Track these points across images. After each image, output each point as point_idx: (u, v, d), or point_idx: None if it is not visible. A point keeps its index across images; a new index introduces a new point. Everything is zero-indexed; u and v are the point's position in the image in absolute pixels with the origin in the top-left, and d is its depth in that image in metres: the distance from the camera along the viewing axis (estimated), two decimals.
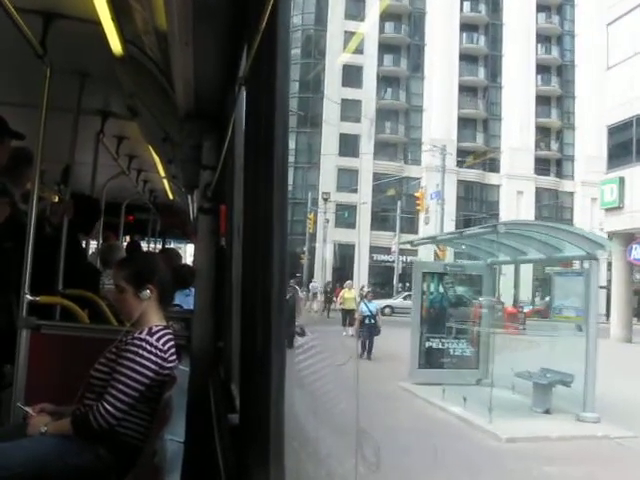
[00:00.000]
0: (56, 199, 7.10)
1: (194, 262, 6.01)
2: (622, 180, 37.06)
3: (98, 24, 3.79)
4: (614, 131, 39.02)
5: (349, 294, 31.63)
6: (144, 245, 12.76)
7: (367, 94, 67.17)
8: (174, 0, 2.55)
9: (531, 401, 15.19)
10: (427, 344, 18.67)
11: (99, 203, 7.41)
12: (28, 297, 4.34)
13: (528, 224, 22.17)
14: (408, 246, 50.24)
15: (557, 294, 18.12)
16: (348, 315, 30.09)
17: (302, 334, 23.45)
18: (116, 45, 3.99)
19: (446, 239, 24.33)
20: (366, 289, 34.07)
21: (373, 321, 23.96)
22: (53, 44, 4.16)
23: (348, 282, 36.09)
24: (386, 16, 68.28)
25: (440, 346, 18.62)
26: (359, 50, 66.65)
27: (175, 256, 9.87)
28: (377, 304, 25.98)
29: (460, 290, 19.72)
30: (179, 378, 3.49)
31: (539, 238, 16.62)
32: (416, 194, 58.39)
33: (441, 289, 19.27)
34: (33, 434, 3.45)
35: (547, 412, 14.74)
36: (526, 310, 43.28)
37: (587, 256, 15.49)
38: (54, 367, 4.42)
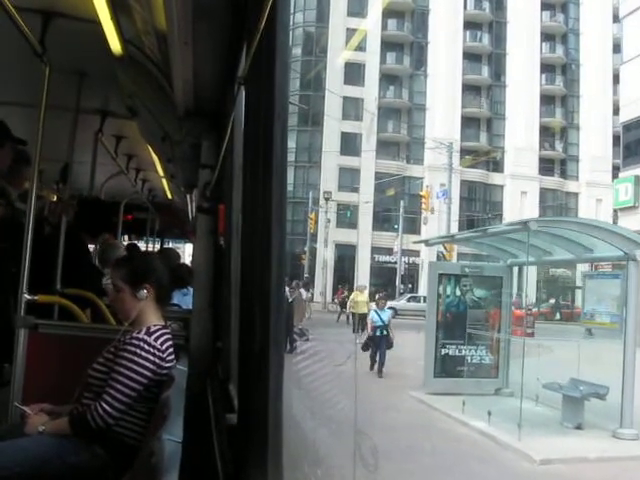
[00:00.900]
0: (54, 198, 7.12)
1: (192, 262, 6.01)
2: (638, 179, 36.74)
3: (97, 23, 3.79)
4: (629, 128, 38.63)
5: (361, 297, 29.25)
6: (143, 245, 12.76)
7: (369, 92, 67.03)
8: (173, 0, 2.55)
9: (560, 415, 14.08)
10: (443, 351, 17.61)
11: (107, 205, 7.45)
12: (26, 296, 4.34)
13: (562, 221, 20.65)
14: (410, 247, 50.27)
15: (589, 298, 16.95)
16: (361, 320, 27.22)
17: (302, 336, 22.93)
18: (115, 44, 4.00)
19: (465, 238, 22.29)
20: (364, 293, 31.00)
21: (385, 332, 20.59)
22: (52, 43, 4.16)
23: (360, 284, 33.72)
24: (389, 13, 68.03)
25: (457, 353, 17.57)
26: (361, 47, 66.49)
27: (173, 256, 9.87)
28: (390, 312, 22.48)
29: (478, 293, 18.46)
30: (177, 378, 3.49)
31: (569, 236, 15.69)
32: (421, 193, 58.33)
33: (458, 292, 18.25)
34: (31, 433, 3.46)
35: (579, 427, 13.58)
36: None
37: (625, 257, 14.33)
38: (52, 366, 4.42)
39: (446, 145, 55.94)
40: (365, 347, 20.89)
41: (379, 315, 21.07)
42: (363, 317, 26.72)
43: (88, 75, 5.15)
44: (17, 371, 4.31)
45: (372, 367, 20.19)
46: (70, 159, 5.74)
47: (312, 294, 44.09)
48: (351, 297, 31.37)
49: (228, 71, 3.16)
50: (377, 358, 20.23)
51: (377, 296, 25.27)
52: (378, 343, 20.41)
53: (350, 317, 33.16)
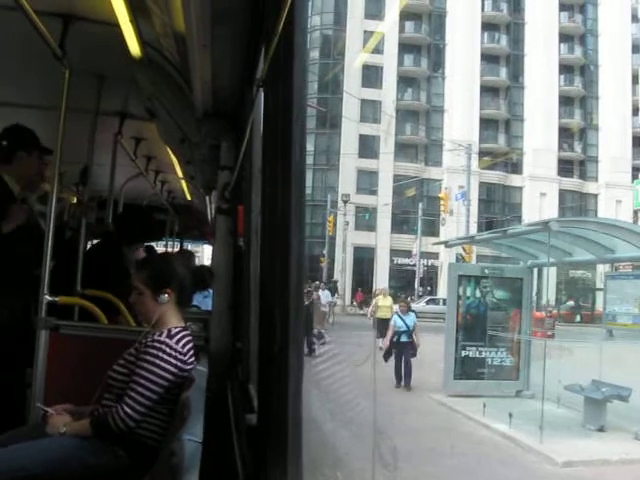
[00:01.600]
0: (74, 200, 7.17)
1: (212, 263, 6.03)
2: None
3: (116, 26, 3.82)
4: None
5: (384, 301, 27.08)
6: (162, 248, 12.78)
7: (387, 94, 66.93)
8: (192, 3, 2.57)
9: (582, 417, 13.99)
10: (463, 353, 17.56)
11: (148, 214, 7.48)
12: (47, 298, 4.36)
13: (583, 221, 20.60)
14: (429, 249, 50.08)
15: (610, 299, 17.05)
16: (384, 325, 24.74)
17: (320, 338, 22.39)
18: (134, 47, 4.02)
19: (485, 239, 22.02)
20: (387, 298, 28.25)
21: (410, 339, 18.61)
22: (72, 46, 4.19)
23: (383, 287, 31.45)
24: (406, 15, 67.92)
25: (477, 355, 17.54)
26: (379, 50, 66.42)
27: (190, 256, 9.94)
28: (414, 317, 19.65)
29: (498, 294, 18.33)
30: (197, 378, 3.50)
31: (590, 237, 15.66)
32: (440, 195, 58.25)
33: (478, 293, 18.14)
34: (52, 434, 3.48)
35: (601, 430, 13.49)
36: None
37: None
38: (73, 367, 4.44)
39: (464, 147, 55.67)
40: (387, 356, 18.91)
41: (402, 319, 19.06)
42: (386, 322, 24.63)
43: (107, 77, 5.19)
44: (38, 372, 4.34)
45: (399, 382, 18.28)
46: (90, 161, 5.79)
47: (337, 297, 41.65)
48: (374, 301, 28.79)
49: (246, 73, 3.18)
50: (402, 369, 18.40)
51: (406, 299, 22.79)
52: (402, 350, 18.51)
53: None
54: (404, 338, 18.63)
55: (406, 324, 18.85)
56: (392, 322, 19.52)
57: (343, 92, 64.44)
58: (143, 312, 3.81)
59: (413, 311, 20.26)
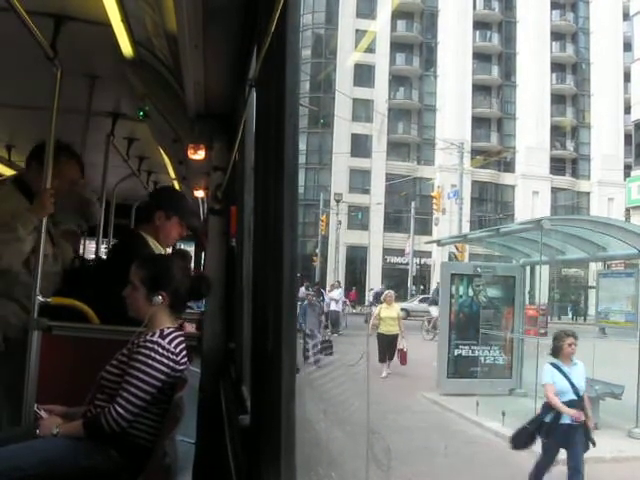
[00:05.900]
0: None
1: (205, 263, 5.99)
2: None
3: (108, 26, 3.81)
4: None
5: (388, 311, 20.63)
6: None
7: (379, 93, 66.93)
8: (184, 3, 2.57)
9: None
10: (456, 351, 17.46)
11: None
12: (39, 299, 4.34)
13: (575, 219, 20.08)
14: (422, 248, 50.08)
15: (602, 297, 17.00)
16: (388, 343, 20.10)
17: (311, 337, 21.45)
18: (126, 47, 4.02)
19: (478, 237, 21.71)
20: (393, 307, 21.26)
21: (585, 432, 9.37)
22: (64, 46, 4.17)
23: (388, 292, 22.31)
24: (398, 14, 67.91)
25: (470, 353, 17.42)
26: (371, 49, 66.42)
27: (185, 256, 9.88)
28: (584, 370, 10.12)
29: (491, 293, 18.15)
30: (190, 379, 3.49)
31: (582, 235, 15.65)
32: (432, 194, 58.24)
33: (471, 292, 18.06)
34: (45, 435, 3.47)
35: (594, 427, 12.07)
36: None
37: (638, 254, 14.38)
38: (65, 368, 4.42)
39: (457, 145, 55.64)
40: (521, 442, 9.89)
41: (565, 374, 9.61)
42: (391, 338, 20.04)
43: (99, 78, 5.18)
44: (31, 373, 4.32)
45: None
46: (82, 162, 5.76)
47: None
48: (375, 312, 21.62)
49: (239, 73, 3.17)
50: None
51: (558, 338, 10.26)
52: (567, 440, 9.39)
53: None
54: (568, 418, 9.26)
55: (574, 386, 9.52)
56: (546, 381, 9.74)
57: (335, 91, 64.43)
58: (134, 308, 3.78)
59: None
